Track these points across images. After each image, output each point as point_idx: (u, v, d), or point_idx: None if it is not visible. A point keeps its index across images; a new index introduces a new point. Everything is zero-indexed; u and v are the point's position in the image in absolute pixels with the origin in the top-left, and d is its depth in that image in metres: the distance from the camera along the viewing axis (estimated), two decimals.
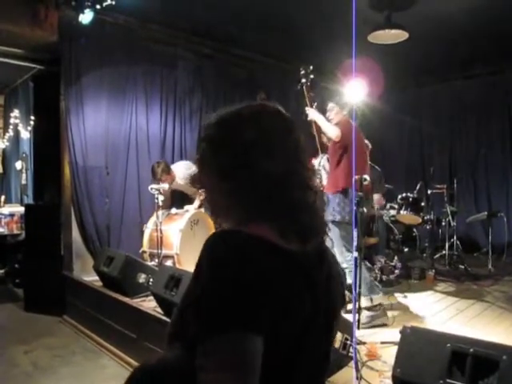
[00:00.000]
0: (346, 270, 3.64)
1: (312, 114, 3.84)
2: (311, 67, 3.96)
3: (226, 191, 0.93)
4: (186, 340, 0.89)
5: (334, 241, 3.71)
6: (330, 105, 3.93)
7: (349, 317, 3.02)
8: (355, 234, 3.01)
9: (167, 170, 4.82)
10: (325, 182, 3.99)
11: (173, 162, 5.49)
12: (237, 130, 0.93)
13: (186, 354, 0.86)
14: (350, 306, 3.42)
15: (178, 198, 5.33)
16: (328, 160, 3.96)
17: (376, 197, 5.36)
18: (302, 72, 3.94)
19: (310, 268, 0.94)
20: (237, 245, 0.85)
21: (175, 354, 0.92)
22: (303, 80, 3.93)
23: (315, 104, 3.91)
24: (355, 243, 3.02)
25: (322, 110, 3.93)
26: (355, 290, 3.03)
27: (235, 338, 0.79)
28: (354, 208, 3.14)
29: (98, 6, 4.28)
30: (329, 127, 3.74)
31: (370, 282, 3.58)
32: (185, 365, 0.85)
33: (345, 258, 3.59)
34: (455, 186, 5.97)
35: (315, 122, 3.82)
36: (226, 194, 0.93)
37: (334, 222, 3.62)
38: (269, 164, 0.90)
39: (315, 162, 4.34)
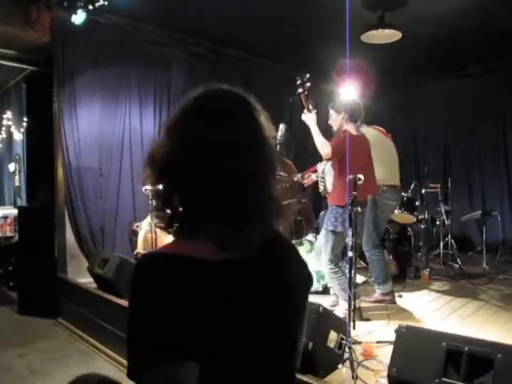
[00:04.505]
0: (325, 274, 3.85)
1: (309, 119, 3.64)
2: (308, 75, 3.70)
3: None
4: None
5: (321, 247, 3.74)
6: (331, 111, 3.82)
7: (343, 316, 3.03)
8: (350, 233, 3.02)
9: None
10: (329, 188, 3.94)
11: None
12: None
13: None
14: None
15: None
16: (332, 166, 3.90)
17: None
18: (299, 81, 3.68)
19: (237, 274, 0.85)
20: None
21: None
22: (300, 90, 3.67)
23: (314, 111, 3.67)
24: (350, 243, 3.02)
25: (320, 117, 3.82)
26: (350, 290, 3.03)
27: (165, 370, 0.75)
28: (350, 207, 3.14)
29: (90, 7, 4.25)
30: (320, 143, 3.57)
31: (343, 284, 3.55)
32: None
33: (325, 265, 3.66)
34: (449, 185, 6.00)
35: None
36: None
37: (333, 231, 3.59)
38: None
39: (319, 168, 4.30)
